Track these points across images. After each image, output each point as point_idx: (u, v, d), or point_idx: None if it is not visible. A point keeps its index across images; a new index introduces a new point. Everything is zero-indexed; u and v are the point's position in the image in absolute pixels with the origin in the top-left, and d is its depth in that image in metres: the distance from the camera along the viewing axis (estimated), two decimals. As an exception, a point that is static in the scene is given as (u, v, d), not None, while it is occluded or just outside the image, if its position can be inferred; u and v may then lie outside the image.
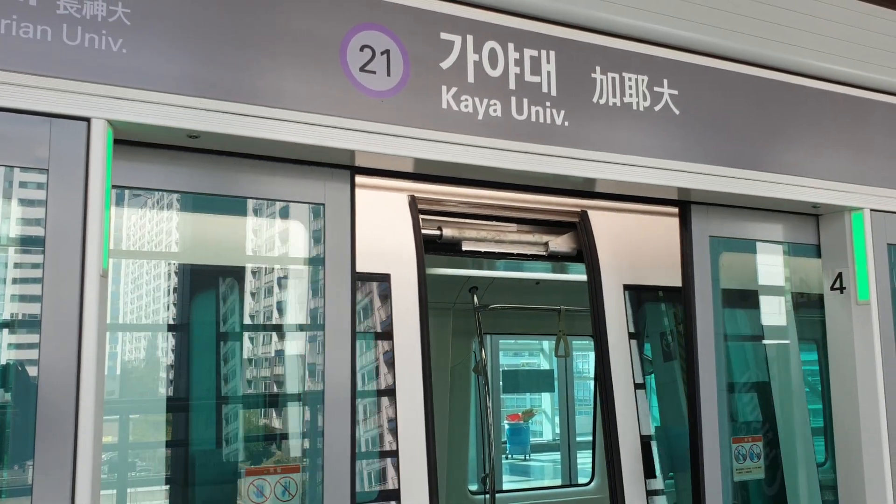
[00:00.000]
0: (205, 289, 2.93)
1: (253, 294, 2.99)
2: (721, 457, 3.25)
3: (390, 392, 2.95)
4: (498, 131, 2.68)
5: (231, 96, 2.30)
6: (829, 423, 3.64)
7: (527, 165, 2.73)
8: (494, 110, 2.68)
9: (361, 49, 2.50)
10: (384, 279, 3.03)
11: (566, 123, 2.79)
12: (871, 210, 3.46)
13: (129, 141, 2.34)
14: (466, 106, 2.63)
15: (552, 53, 2.81)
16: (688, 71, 3.09)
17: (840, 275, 3.49)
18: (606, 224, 3.56)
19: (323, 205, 2.66)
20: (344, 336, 2.61)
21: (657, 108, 3.00)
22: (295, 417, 2.80)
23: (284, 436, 2.86)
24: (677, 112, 3.04)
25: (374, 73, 2.50)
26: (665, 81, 3.03)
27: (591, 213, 3.59)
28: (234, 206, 2.75)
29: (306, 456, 2.62)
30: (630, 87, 2.95)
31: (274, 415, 2.98)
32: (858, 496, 3.39)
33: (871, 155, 3.52)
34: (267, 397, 2.99)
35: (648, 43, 3.02)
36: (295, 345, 2.84)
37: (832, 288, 3.52)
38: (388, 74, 2.52)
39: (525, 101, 2.73)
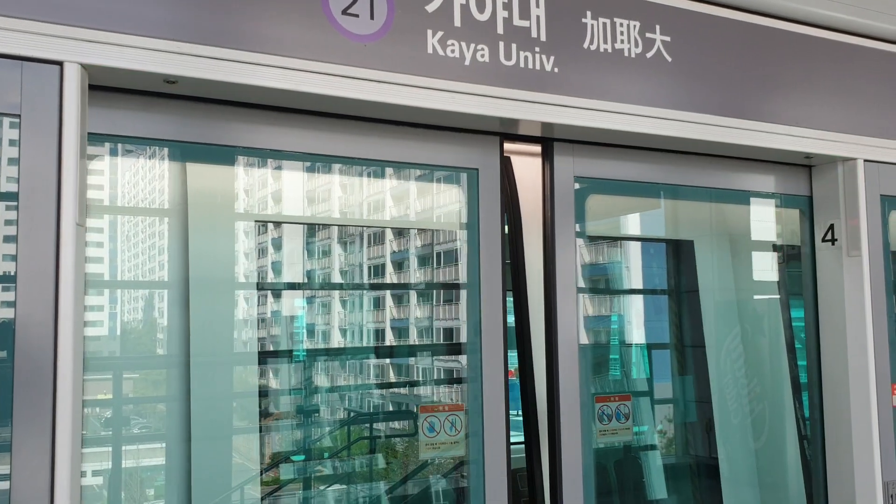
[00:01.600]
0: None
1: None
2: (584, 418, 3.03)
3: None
4: (485, 77, 2.61)
5: (209, 40, 2.23)
6: (813, 376, 3.62)
7: (516, 113, 2.67)
8: (482, 55, 2.61)
9: (344, -9, 2.42)
10: None
11: (556, 70, 2.73)
12: (865, 160, 3.41)
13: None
14: (453, 51, 2.56)
15: (541, -3, 2.73)
16: (680, 17, 3.02)
17: (832, 226, 3.46)
18: (531, 170, 3.34)
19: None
20: (496, 292, 2.85)
21: (649, 55, 2.93)
22: (460, 362, 3.08)
23: (455, 380, 3.30)
24: (669, 59, 2.98)
25: (356, 16, 2.43)
26: (657, 27, 2.96)
27: (514, 159, 3.44)
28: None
29: (470, 396, 2.88)
30: (622, 33, 2.88)
31: (443, 361, 3.50)
32: (845, 446, 3.40)
33: (866, 104, 3.46)
34: (441, 346, 3.59)
35: (640, -12, 2.94)
36: (461, 300, 3.11)
37: (823, 240, 3.50)
38: (372, 18, 2.45)
39: (513, 46, 2.66)
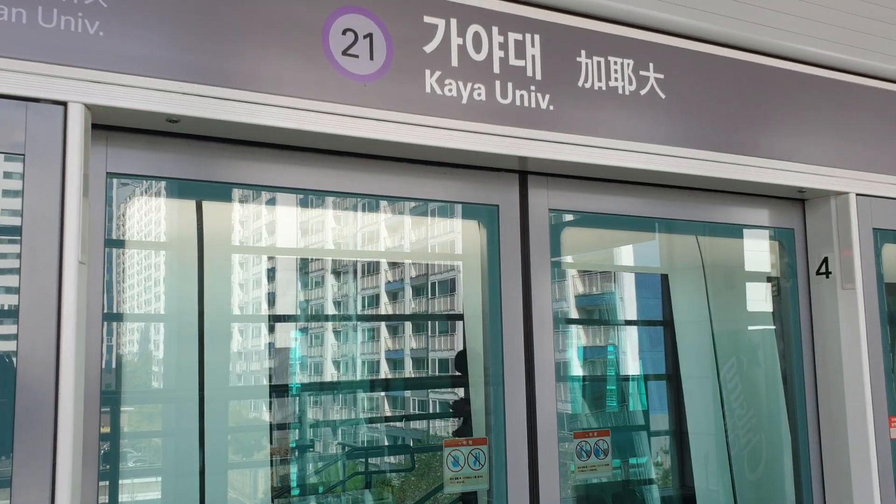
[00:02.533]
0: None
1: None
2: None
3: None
4: (483, 115, 2.65)
5: (211, 80, 2.27)
6: (795, 405, 3.61)
7: (513, 150, 2.71)
8: (479, 94, 2.65)
9: (344, 33, 2.46)
10: None
11: (551, 108, 2.77)
12: (857, 195, 3.45)
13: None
14: (450, 90, 2.61)
15: (537, 37, 2.78)
16: (673, 55, 3.07)
17: (826, 259, 3.49)
18: None
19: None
20: (517, 324, 2.89)
21: (643, 93, 2.98)
22: (480, 396, 3.10)
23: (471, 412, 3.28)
24: (663, 96, 3.02)
25: (356, 56, 2.47)
26: (651, 65, 3.01)
27: None
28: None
29: (492, 430, 2.92)
30: (616, 71, 2.93)
31: (462, 395, 3.58)
32: (844, 480, 3.40)
33: (857, 139, 3.52)
34: (451, 379, 3.61)
35: (634, 27, 2.99)
36: (477, 333, 3.14)
37: (818, 273, 3.53)
38: (371, 58, 2.49)
39: (510, 85, 2.71)
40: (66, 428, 2.03)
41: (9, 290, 2.10)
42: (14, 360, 2.04)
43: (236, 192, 3.13)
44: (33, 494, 2.00)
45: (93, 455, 2.26)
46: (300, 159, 2.59)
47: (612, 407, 4.74)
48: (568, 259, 4.33)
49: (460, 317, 3.79)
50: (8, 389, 2.03)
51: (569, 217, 3.36)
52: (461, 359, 3.96)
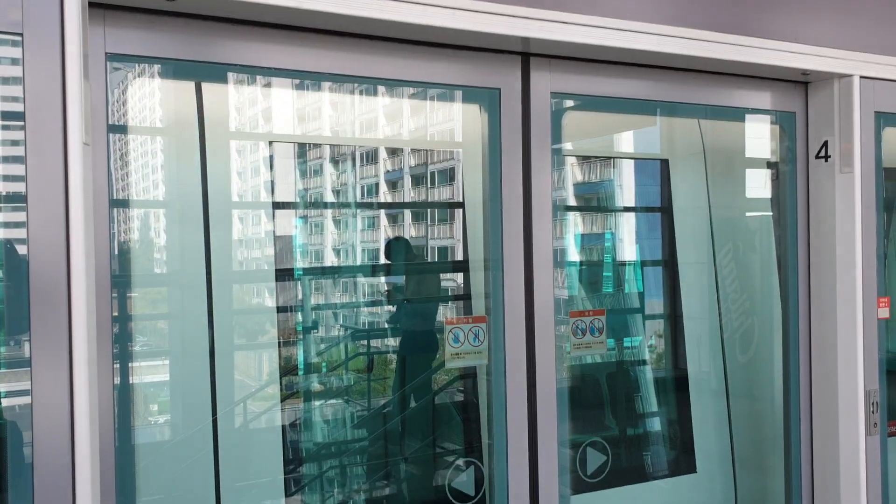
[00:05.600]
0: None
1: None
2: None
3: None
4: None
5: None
6: (788, 292, 3.68)
7: (516, 30, 2.67)
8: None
9: None
10: None
11: (555, -14, 2.71)
12: (861, 77, 3.42)
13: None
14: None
15: (541, -89, 2.69)
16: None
17: (826, 143, 3.49)
18: None
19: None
20: (517, 209, 2.95)
21: (648, -30, 2.91)
22: (481, 280, 3.21)
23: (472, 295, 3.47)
24: (668, -26, 2.95)
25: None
26: (657, -59, 2.92)
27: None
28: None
29: (491, 310, 3.03)
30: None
31: (463, 279, 3.81)
32: (831, 355, 3.52)
33: (862, 20, 3.45)
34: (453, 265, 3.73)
35: None
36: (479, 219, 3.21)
37: (817, 156, 3.54)
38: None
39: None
40: (79, 310, 2.08)
41: (15, 177, 2.11)
42: (22, 246, 2.07)
43: (234, 77, 3.09)
44: (52, 373, 2.07)
45: (106, 336, 2.33)
46: (299, 40, 2.55)
47: (608, 290, 4.83)
48: (568, 146, 4.32)
49: (460, 204, 3.82)
50: (21, 274, 2.07)
51: (570, 102, 3.34)
52: (389, 249, 4.08)
